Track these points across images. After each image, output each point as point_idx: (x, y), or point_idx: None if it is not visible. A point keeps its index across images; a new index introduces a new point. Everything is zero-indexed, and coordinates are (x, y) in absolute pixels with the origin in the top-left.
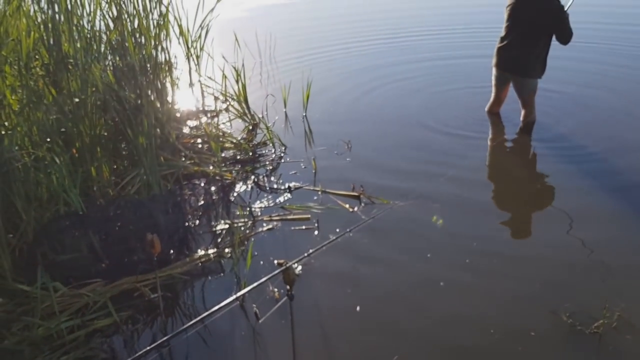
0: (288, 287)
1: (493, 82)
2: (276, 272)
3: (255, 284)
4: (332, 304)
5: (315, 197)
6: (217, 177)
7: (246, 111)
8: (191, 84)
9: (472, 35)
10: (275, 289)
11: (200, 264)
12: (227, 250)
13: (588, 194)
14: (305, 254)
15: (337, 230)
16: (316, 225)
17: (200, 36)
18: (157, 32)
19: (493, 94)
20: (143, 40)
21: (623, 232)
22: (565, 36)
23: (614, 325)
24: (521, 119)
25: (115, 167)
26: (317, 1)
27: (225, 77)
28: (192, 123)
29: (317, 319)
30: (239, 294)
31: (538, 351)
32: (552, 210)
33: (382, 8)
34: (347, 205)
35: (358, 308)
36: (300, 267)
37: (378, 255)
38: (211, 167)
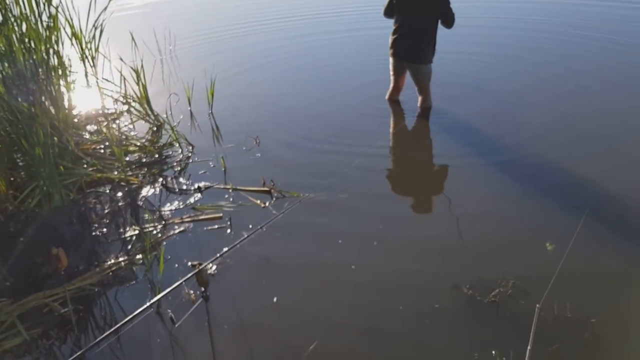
0: (202, 288)
1: (391, 71)
2: (189, 275)
3: (168, 289)
4: (249, 300)
5: (226, 196)
6: (123, 183)
7: (149, 112)
8: (88, 87)
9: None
10: (191, 291)
11: (111, 273)
12: (138, 256)
13: (480, 172)
14: (219, 254)
15: (250, 226)
16: (229, 223)
17: (94, 37)
18: (48, 35)
19: (392, 82)
20: (33, 45)
21: (511, 206)
22: (450, 21)
23: (509, 293)
24: (418, 104)
25: (12, 180)
26: None
27: (124, 78)
28: (92, 128)
29: (235, 317)
30: (152, 300)
31: (444, 323)
32: (447, 190)
33: None
34: (258, 201)
35: (275, 300)
36: (214, 267)
37: (291, 248)
38: (116, 173)
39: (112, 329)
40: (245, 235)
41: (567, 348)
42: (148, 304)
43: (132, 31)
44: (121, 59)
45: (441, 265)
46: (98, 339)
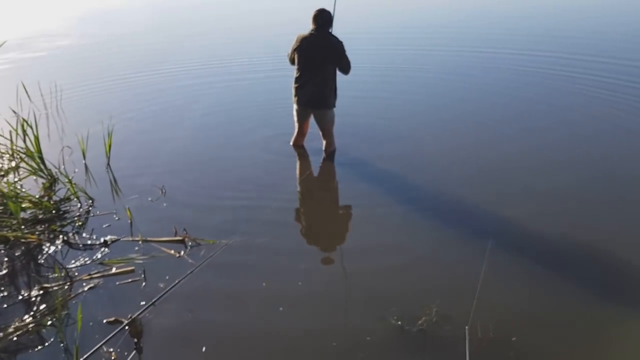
0: (136, 340)
1: (295, 117)
2: (120, 327)
3: (93, 349)
4: (177, 351)
5: (136, 248)
6: (21, 241)
7: (41, 166)
8: None
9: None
10: (111, 349)
11: (15, 339)
12: (46, 317)
13: (389, 212)
14: (150, 303)
15: (167, 277)
16: (142, 276)
17: None
18: None
19: (296, 128)
20: None
21: (422, 240)
22: (347, 68)
23: (434, 320)
24: (323, 148)
25: None
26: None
27: (15, 132)
28: None
29: None
30: None
31: (377, 354)
32: (360, 232)
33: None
34: (172, 251)
35: (204, 350)
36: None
37: (214, 295)
38: (9, 231)
39: None
40: (168, 288)
41: None
42: None
43: (15, 85)
44: (14, 111)
45: (365, 299)
46: None
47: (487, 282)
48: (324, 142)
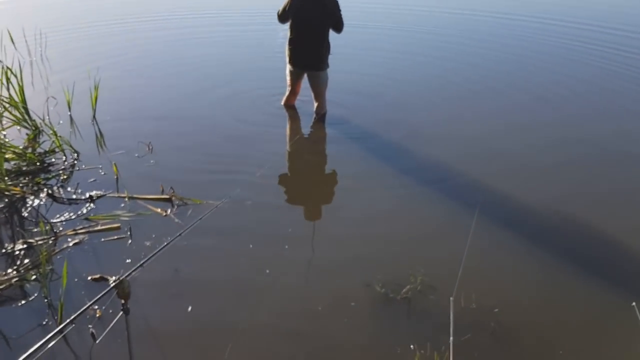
0: (123, 301)
1: (288, 77)
2: (108, 289)
3: (80, 310)
4: (163, 311)
5: (122, 205)
6: (4, 193)
7: (26, 117)
8: None
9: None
10: (96, 307)
11: None
12: (30, 272)
13: (379, 177)
14: (138, 265)
15: (153, 236)
16: (129, 234)
17: None
18: None
19: (289, 88)
20: None
21: (410, 208)
22: (341, 27)
23: (419, 288)
24: (314, 110)
25: None
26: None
27: None
28: None
29: (151, 329)
30: (60, 326)
31: (360, 320)
32: (350, 195)
33: None
34: (159, 209)
35: (189, 309)
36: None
37: (201, 255)
38: None
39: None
40: (159, 248)
41: (477, 337)
42: (57, 329)
43: (7, 28)
44: None
45: (351, 266)
46: None
47: (473, 254)
48: (316, 104)
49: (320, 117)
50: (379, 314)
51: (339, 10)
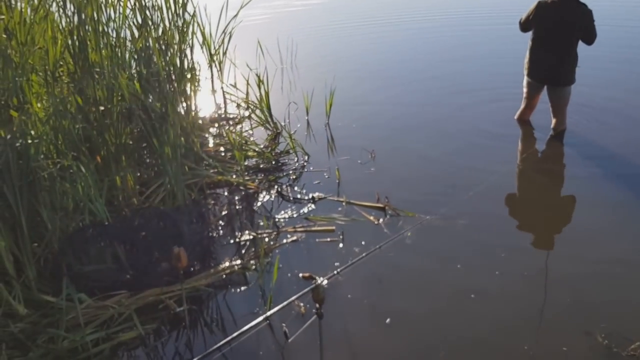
0: (317, 305)
1: (524, 89)
2: (305, 290)
3: (284, 303)
4: (361, 320)
5: (339, 208)
6: (241, 187)
7: (269, 119)
8: (214, 91)
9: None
10: (302, 304)
11: (224, 276)
12: (251, 262)
13: (622, 205)
14: (335, 272)
15: (363, 243)
16: (341, 237)
17: (223, 42)
18: (182, 39)
19: (524, 101)
20: (167, 48)
21: None
22: (593, 39)
23: None
24: (552, 126)
25: (139, 175)
26: (336, 5)
27: (249, 84)
28: (214, 131)
29: (346, 337)
30: (267, 313)
31: None
32: (581, 224)
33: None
34: (371, 217)
35: (387, 321)
36: (326, 282)
37: (406, 270)
38: (234, 176)
39: (226, 339)
40: (363, 254)
41: None
42: (262, 317)
43: (257, 39)
44: (247, 66)
45: (573, 307)
46: (210, 349)
47: None
48: (554, 120)
49: (558, 133)
50: None
51: (593, 21)
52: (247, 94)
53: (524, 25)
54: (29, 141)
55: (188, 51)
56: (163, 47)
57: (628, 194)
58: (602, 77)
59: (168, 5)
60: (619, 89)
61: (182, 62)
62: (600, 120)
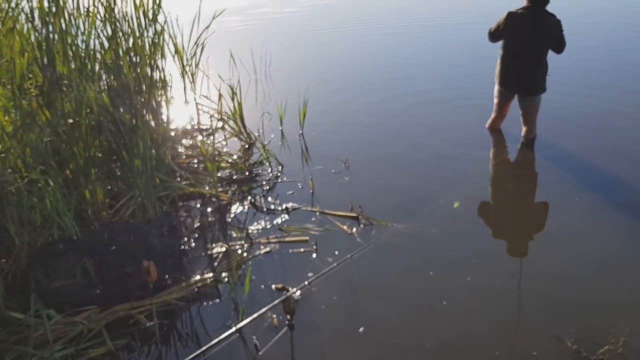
0: (289, 316)
1: (495, 98)
2: (276, 301)
3: (255, 315)
4: (333, 330)
5: (313, 218)
6: (214, 198)
7: (242, 130)
8: (186, 102)
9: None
10: (274, 315)
11: (196, 289)
12: (224, 274)
13: (592, 209)
14: (306, 282)
15: (336, 252)
16: (314, 247)
17: (195, 53)
18: (152, 50)
19: (495, 110)
20: (138, 60)
21: (628, 251)
22: (562, 47)
23: (619, 351)
24: (522, 134)
25: (109, 188)
26: (313, 14)
27: (221, 95)
28: (187, 142)
29: (319, 348)
30: (238, 325)
31: None
32: (551, 230)
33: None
34: (345, 227)
35: (361, 330)
36: (299, 293)
37: (379, 279)
38: (207, 188)
39: (197, 352)
40: (334, 264)
41: None
42: (233, 329)
43: (230, 50)
44: (220, 77)
45: (543, 312)
46: None
47: None
48: (524, 128)
49: (528, 141)
50: None
51: (562, 31)
52: (220, 104)
53: (494, 36)
54: None
55: (160, 62)
56: (133, 58)
57: (597, 198)
58: (572, 82)
59: (137, 15)
60: (590, 92)
61: (152, 73)
62: (571, 125)
